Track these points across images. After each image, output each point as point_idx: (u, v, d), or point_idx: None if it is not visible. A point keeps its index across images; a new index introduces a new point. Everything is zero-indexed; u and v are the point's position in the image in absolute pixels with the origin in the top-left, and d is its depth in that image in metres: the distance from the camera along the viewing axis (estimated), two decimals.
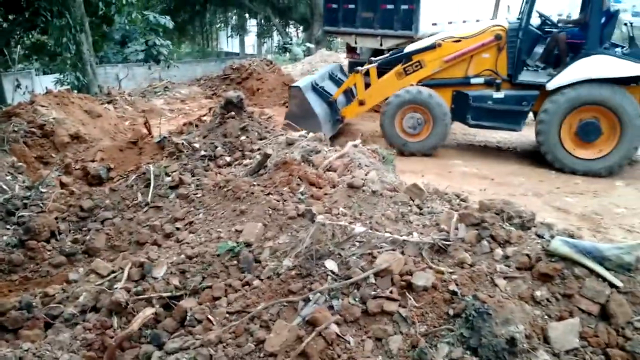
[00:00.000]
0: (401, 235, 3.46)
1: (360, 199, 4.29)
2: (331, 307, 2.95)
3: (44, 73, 20.47)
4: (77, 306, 3.50)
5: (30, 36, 17.25)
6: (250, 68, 14.61)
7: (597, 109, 8.20)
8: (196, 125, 6.74)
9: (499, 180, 7.88)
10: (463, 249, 3.22)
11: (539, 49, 9.58)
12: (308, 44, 27.02)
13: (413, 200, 4.32)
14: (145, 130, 7.76)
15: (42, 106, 7.86)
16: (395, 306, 2.89)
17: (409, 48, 9.77)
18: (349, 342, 2.80)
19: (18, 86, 15.14)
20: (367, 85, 9.74)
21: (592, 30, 8.26)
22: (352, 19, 14.83)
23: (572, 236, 3.20)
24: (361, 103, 9.73)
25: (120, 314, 3.32)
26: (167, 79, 18.16)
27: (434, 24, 12.00)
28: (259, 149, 5.78)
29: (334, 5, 14.68)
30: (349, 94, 10.27)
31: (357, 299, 2.98)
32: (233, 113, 6.27)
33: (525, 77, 8.90)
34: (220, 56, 34.81)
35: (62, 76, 16.36)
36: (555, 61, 9.02)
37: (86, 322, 3.33)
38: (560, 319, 2.79)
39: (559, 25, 9.61)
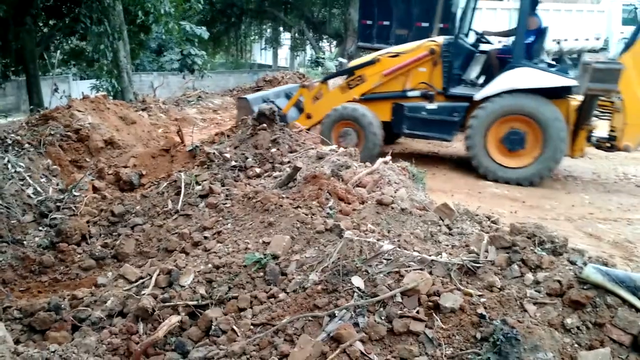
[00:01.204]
0: (430, 255, 3.42)
1: (389, 216, 4.27)
2: (356, 325, 2.92)
3: (81, 78, 20.91)
4: (105, 310, 3.54)
5: (69, 42, 17.66)
6: (283, 80, 14.73)
7: (522, 119, 8.65)
8: (228, 136, 6.78)
9: (530, 203, 7.77)
10: (493, 272, 3.17)
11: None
12: (340, 59, 27.13)
13: (443, 220, 4.28)
14: (177, 139, 7.85)
15: (79, 111, 8.01)
16: (421, 327, 2.85)
17: (352, 63, 10.43)
18: None
19: (56, 90, 15.48)
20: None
21: (517, 45, 8.84)
22: (386, 35, 14.94)
23: (605, 264, 3.13)
24: (308, 116, 10.22)
25: (147, 320, 3.35)
26: (200, 89, 18.42)
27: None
28: (289, 162, 5.80)
29: (369, 22, 14.79)
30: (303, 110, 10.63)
31: (383, 318, 2.95)
32: (265, 125, 6.31)
33: (457, 89, 9.44)
34: (253, 68, 35.12)
35: (98, 82, 16.72)
36: (490, 76, 9.33)
37: (112, 326, 3.37)
38: (591, 348, 2.72)
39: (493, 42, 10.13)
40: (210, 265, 3.71)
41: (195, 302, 3.41)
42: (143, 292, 3.62)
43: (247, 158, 5.98)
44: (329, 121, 9.68)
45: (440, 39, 9.56)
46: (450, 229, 4.24)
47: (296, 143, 6.38)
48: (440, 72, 9.40)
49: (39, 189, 5.79)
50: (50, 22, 15.55)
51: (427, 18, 12.50)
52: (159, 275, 3.76)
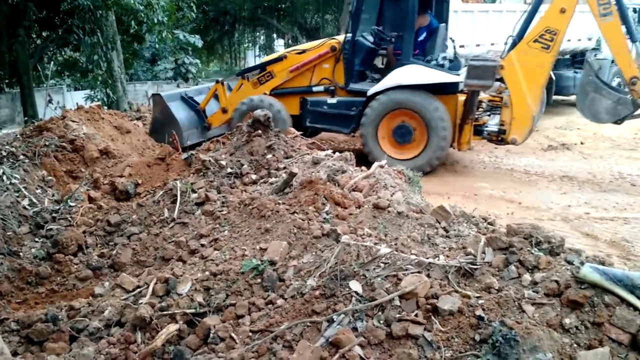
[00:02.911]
0: (427, 258, 3.42)
1: (386, 220, 4.27)
2: (355, 329, 2.92)
3: (75, 89, 20.89)
4: (102, 320, 3.52)
5: (62, 53, 17.65)
6: None
7: (408, 114, 9.11)
8: (223, 143, 6.79)
9: (526, 204, 7.78)
10: (490, 274, 3.17)
11: None
12: None
13: (439, 223, 4.28)
14: (173, 147, 7.84)
15: (73, 121, 7.99)
16: (420, 330, 2.85)
17: (264, 59, 11.09)
18: None
19: (50, 101, 15.45)
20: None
21: (405, 43, 9.17)
22: None
23: (602, 263, 3.13)
24: (224, 111, 10.76)
25: (145, 330, 3.33)
26: None
27: (462, 46, 12.08)
28: (284, 168, 5.80)
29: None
30: None
31: (381, 322, 2.94)
32: (260, 131, 6.31)
33: (357, 85, 9.82)
34: None
35: (92, 92, 16.71)
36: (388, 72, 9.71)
37: (110, 336, 3.35)
38: (590, 347, 2.72)
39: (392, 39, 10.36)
40: (207, 273, 3.70)
41: (193, 310, 3.40)
42: (140, 301, 3.60)
43: (242, 165, 5.98)
44: (239, 114, 10.13)
45: (341, 37, 9.99)
46: (447, 231, 4.24)
47: (291, 149, 6.38)
48: (341, 68, 9.81)
49: (34, 200, 5.77)
50: (44, 34, 15.54)
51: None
52: (156, 284, 3.75)
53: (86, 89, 18.83)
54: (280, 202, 4.57)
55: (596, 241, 6.37)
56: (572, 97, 15.44)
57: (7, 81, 15.38)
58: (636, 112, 8.18)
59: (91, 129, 8.11)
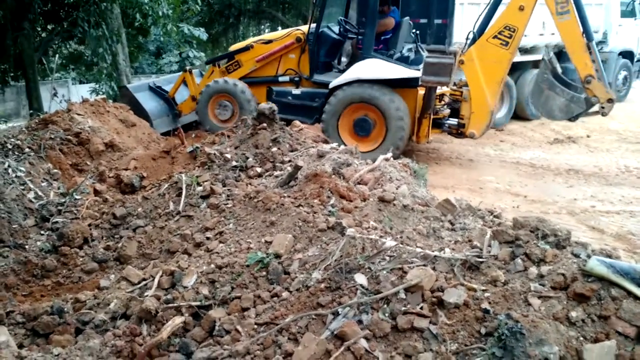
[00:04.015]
0: (433, 251, 3.41)
1: (391, 213, 4.26)
2: (360, 322, 2.91)
3: (80, 82, 20.89)
4: (108, 313, 3.53)
5: (67, 46, 17.64)
6: None
7: (367, 107, 9.16)
8: (228, 136, 6.77)
9: (532, 198, 7.76)
10: (496, 267, 3.15)
11: None
12: None
13: (445, 216, 4.27)
14: (178, 140, 7.84)
15: (79, 114, 7.99)
16: (425, 323, 2.84)
17: (232, 48, 11.07)
18: (377, 358, 2.75)
19: (55, 94, 15.44)
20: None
21: (366, 37, 9.27)
22: None
23: (609, 256, 3.11)
24: (193, 99, 10.90)
25: (150, 322, 3.34)
26: None
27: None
28: (289, 161, 5.79)
29: None
30: None
31: (386, 314, 2.93)
32: (265, 124, 6.29)
33: (321, 77, 9.95)
34: None
35: (97, 85, 16.69)
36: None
37: (116, 329, 3.36)
38: (596, 340, 2.71)
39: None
40: (212, 266, 3.70)
41: (198, 303, 3.41)
42: (146, 294, 3.61)
43: (247, 158, 5.97)
44: (205, 95, 10.39)
45: (306, 28, 10.03)
46: (452, 224, 4.23)
47: (297, 142, 6.37)
48: (307, 59, 9.93)
49: (40, 193, 5.78)
50: (49, 27, 15.52)
51: (425, 14, 12.43)
52: (161, 276, 3.76)
53: (91, 82, 18.84)
54: (285, 195, 4.57)
55: (602, 234, 6.35)
56: None
57: (12, 74, 15.36)
58: (590, 110, 8.18)
59: (96, 122, 8.11)
